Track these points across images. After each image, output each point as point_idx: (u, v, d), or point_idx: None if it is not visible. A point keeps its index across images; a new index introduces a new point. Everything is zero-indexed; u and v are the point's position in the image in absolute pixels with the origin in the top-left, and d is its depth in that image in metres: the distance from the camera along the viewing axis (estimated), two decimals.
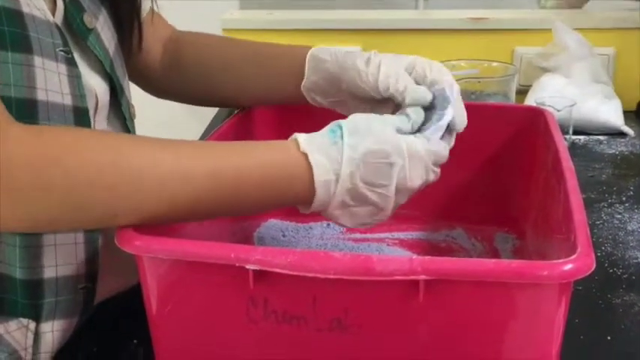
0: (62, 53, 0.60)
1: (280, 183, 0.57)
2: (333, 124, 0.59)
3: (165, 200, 0.54)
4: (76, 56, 0.63)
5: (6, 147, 0.48)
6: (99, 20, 0.67)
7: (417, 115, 0.63)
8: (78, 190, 0.50)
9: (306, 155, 0.57)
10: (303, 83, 0.74)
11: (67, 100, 0.60)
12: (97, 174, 0.51)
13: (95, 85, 0.65)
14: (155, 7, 0.82)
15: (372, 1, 1.63)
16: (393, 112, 0.66)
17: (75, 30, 0.63)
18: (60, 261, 0.62)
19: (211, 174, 0.55)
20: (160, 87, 0.86)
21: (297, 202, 0.60)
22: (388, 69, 0.67)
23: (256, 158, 0.57)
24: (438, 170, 0.63)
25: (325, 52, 0.73)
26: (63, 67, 0.60)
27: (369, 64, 0.68)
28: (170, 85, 0.85)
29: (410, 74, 0.67)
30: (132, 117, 0.73)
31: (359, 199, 0.58)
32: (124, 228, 0.54)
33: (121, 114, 0.70)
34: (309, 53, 0.74)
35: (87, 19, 0.64)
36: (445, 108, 0.64)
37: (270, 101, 0.83)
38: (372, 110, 0.69)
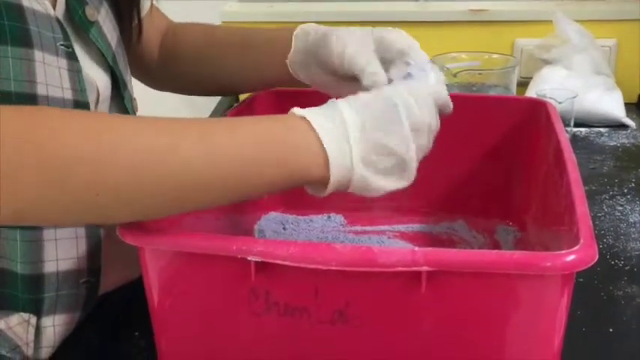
0: (63, 47, 0.60)
1: (285, 158, 0.52)
2: (329, 101, 0.56)
3: (164, 185, 0.48)
4: (78, 49, 0.63)
5: None
6: (101, 13, 0.67)
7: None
8: (51, 167, 0.45)
9: (305, 118, 0.53)
10: (288, 56, 0.73)
11: (68, 95, 0.60)
12: (72, 150, 0.45)
13: (97, 78, 0.65)
14: (154, 1, 0.82)
15: None
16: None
17: (77, 23, 0.63)
18: (61, 255, 0.62)
19: (210, 160, 0.50)
20: (158, 79, 0.86)
21: (313, 181, 0.55)
22: (352, 49, 0.66)
23: (256, 137, 0.52)
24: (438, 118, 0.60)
25: (310, 28, 0.73)
26: (63, 62, 0.60)
27: (338, 41, 0.67)
28: (168, 76, 0.85)
29: (379, 46, 0.67)
30: (134, 111, 0.73)
31: (378, 149, 0.53)
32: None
33: (123, 107, 0.70)
34: (297, 29, 0.74)
35: (89, 11, 0.64)
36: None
37: (265, 84, 0.83)
38: (342, 88, 0.68)
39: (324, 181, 0.54)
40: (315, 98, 0.77)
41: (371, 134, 0.53)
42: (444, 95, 0.60)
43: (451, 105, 0.62)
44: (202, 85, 0.85)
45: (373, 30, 0.69)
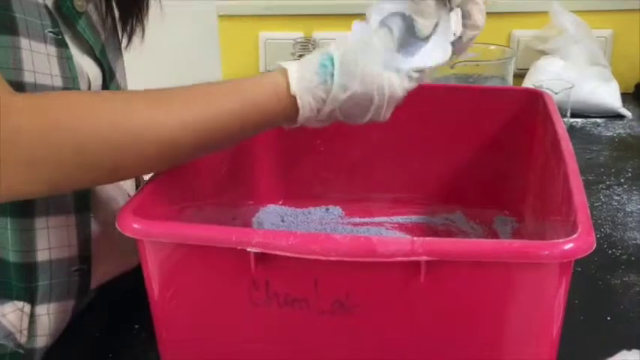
0: (51, 34, 0.59)
1: (268, 119, 0.60)
2: (324, 56, 0.60)
3: (166, 147, 0.56)
4: (68, 39, 0.62)
5: (11, 118, 0.50)
6: (90, 3, 0.66)
7: (399, 30, 0.62)
8: (84, 150, 0.52)
9: (294, 97, 0.59)
10: None
11: (57, 82, 0.60)
12: (98, 132, 0.53)
13: (87, 68, 0.64)
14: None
15: None
16: None
17: (65, 13, 0.62)
18: (53, 244, 0.62)
19: (210, 120, 0.57)
20: None
21: (281, 124, 0.62)
22: None
23: (247, 100, 0.59)
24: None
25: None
26: (52, 49, 0.59)
27: None
28: None
29: None
30: None
31: (333, 120, 0.62)
32: (124, 212, 0.54)
33: None
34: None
35: (77, 2, 0.63)
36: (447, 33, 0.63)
37: None
38: None
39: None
40: None
41: (337, 114, 0.60)
42: (414, 86, 0.62)
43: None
44: None
45: None
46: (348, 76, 0.58)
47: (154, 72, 1.14)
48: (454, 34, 0.63)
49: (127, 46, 0.75)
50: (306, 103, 0.59)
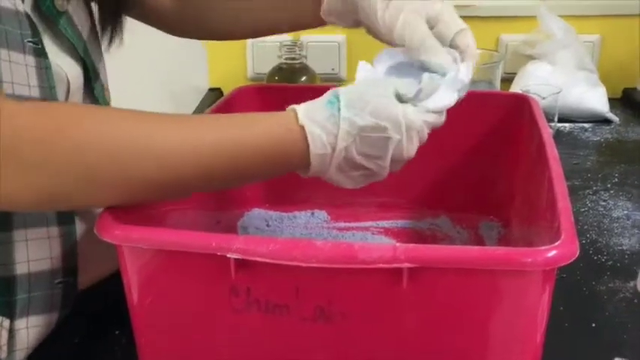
0: (30, 44, 0.58)
1: (278, 154, 0.57)
2: (330, 94, 0.58)
3: (168, 174, 0.54)
4: (48, 40, 0.61)
5: (13, 124, 0.49)
6: (71, 3, 0.65)
7: (429, 85, 0.60)
8: (83, 161, 0.51)
9: (303, 128, 0.56)
10: (322, 7, 0.72)
11: (35, 93, 0.58)
12: (103, 145, 0.52)
13: (68, 70, 0.63)
14: None
15: None
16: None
17: (45, 13, 0.61)
18: (32, 256, 0.61)
19: (214, 147, 0.55)
20: (176, 25, 0.84)
21: (295, 170, 0.59)
22: (406, 19, 0.64)
23: (256, 131, 0.57)
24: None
25: None
26: (31, 59, 0.58)
27: (389, 7, 0.65)
28: (186, 22, 0.83)
29: (431, 28, 0.65)
30: (107, 101, 0.71)
31: (355, 166, 0.58)
32: (103, 217, 0.53)
33: (94, 98, 0.69)
34: None
35: (58, 1, 0.62)
36: (458, 81, 0.61)
37: (289, 27, 0.81)
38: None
39: (304, 170, 0.59)
40: (299, 94, 0.76)
41: (354, 155, 0.57)
42: (440, 124, 0.61)
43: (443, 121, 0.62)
44: (222, 29, 0.83)
45: (424, 3, 0.66)
46: (356, 108, 0.56)
47: (140, 76, 1.13)
48: (462, 81, 0.62)
49: (108, 44, 0.74)
50: (316, 137, 0.56)
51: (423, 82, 0.59)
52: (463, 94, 0.63)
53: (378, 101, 0.57)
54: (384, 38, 0.67)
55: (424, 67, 0.62)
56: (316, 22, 0.74)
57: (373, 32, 0.69)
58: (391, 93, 0.58)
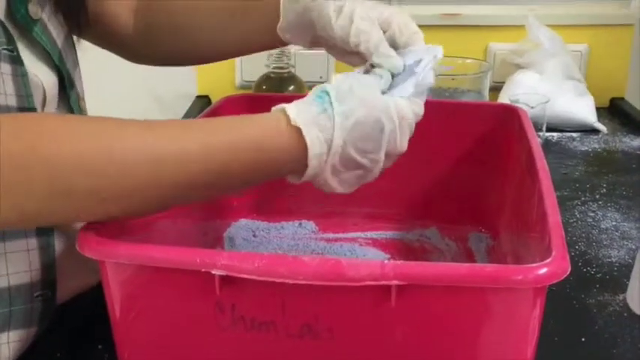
0: (6, 52, 0.57)
1: (273, 157, 0.56)
2: (317, 90, 0.57)
3: (157, 182, 0.52)
4: (23, 48, 0.60)
5: None
6: (45, 10, 0.64)
7: (387, 78, 0.61)
8: (60, 176, 0.49)
9: (298, 129, 0.55)
10: (278, 25, 0.71)
11: (12, 101, 0.57)
12: (79, 159, 0.50)
13: (43, 78, 0.62)
14: None
15: None
16: (362, 64, 0.65)
17: (19, 21, 0.60)
18: (11, 269, 0.59)
19: (203, 152, 0.53)
20: (135, 52, 0.83)
21: (289, 174, 0.58)
22: (360, 24, 0.64)
23: (247, 133, 0.55)
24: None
25: None
26: (7, 67, 0.57)
27: (340, 15, 0.65)
28: (145, 48, 0.82)
29: (385, 31, 0.65)
30: (82, 110, 0.70)
31: (349, 164, 0.57)
32: (84, 232, 0.52)
33: (69, 107, 0.67)
34: None
35: (32, 9, 0.61)
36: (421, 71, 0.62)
37: (250, 49, 0.80)
38: (342, 59, 0.69)
39: (298, 174, 0.58)
40: (287, 103, 0.75)
41: (350, 151, 0.56)
42: (421, 116, 0.61)
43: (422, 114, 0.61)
44: (182, 56, 0.82)
45: (376, 5, 0.66)
46: (347, 101, 0.56)
47: (127, 82, 1.12)
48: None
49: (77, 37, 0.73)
50: (314, 137, 0.54)
51: (382, 75, 0.61)
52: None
53: (368, 92, 0.57)
54: (340, 47, 0.67)
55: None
56: (277, 42, 0.73)
57: (331, 45, 0.68)
58: (375, 87, 0.59)
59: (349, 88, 0.57)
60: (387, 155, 0.58)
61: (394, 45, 0.65)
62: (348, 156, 0.56)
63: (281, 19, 0.70)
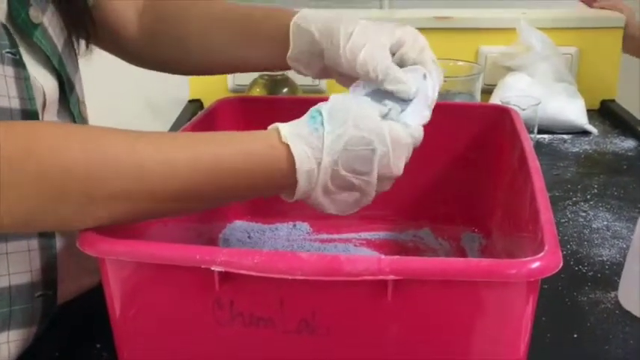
0: (9, 55, 0.58)
1: (262, 173, 0.56)
2: (312, 110, 0.58)
3: (145, 188, 0.53)
4: (23, 52, 0.60)
5: None
6: (46, 15, 0.64)
7: (395, 107, 0.61)
8: (51, 179, 0.50)
9: (287, 145, 0.55)
10: (288, 54, 0.71)
11: (15, 104, 0.58)
12: (70, 162, 0.51)
13: (43, 82, 0.63)
14: None
15: (337, 1, 1.63)
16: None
17: (20, 25, 0.60)
18: (13, 270, 0.60)
19: (192, 162, 0.54)
20: (140, 57, 0.84)
21: (280, 191, 0.59)
22: (368, 51, 0.64)
23: (237, 147, 0.56)
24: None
25: (309, 21, 0.69)
26: (10, 70, 0.58)
27: (349, 42, 0.66)
28: (150, 55, 0.82)
29: (393, 54, 0.66)
30: (82, 114, 0.71)
31: (342, 185, 0.57)
32: (86, 230, 0.53)
33: (70, 112, 0.68)
34: (292, 22, 0.70)
35: (33, 13, 0.61)
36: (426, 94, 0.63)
37: (255, 68, 0.81)
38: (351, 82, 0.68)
39: (289, 192, 0.58)
40: (280, 105, 0.76)
41: (340, 171, 0.56)
42: (420, 140, 0.61)
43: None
44: (187, 66, 0.82)
45: (386, 26, 0.67)
46: (339, 121, 0.56)
47: (119, 86, 1.13)
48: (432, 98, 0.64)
49: (80, 51, 0.73)
50: (301, 152, 0.55)
51: (389, 104, 0.61)
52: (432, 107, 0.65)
53: (362, 114, 0.57)
54: (349, 75, 0.67)
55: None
56: (282, 66, 0.74)
57: (340, 73, 0.69)
58: (374, 108, 0.59)
59: (344, 109, 0.57)
60: (381, 178, 0.58)
61: (403, 63, 0.65)
62: (339, 176, 0.57)
63: (291, 47, 0.71)
